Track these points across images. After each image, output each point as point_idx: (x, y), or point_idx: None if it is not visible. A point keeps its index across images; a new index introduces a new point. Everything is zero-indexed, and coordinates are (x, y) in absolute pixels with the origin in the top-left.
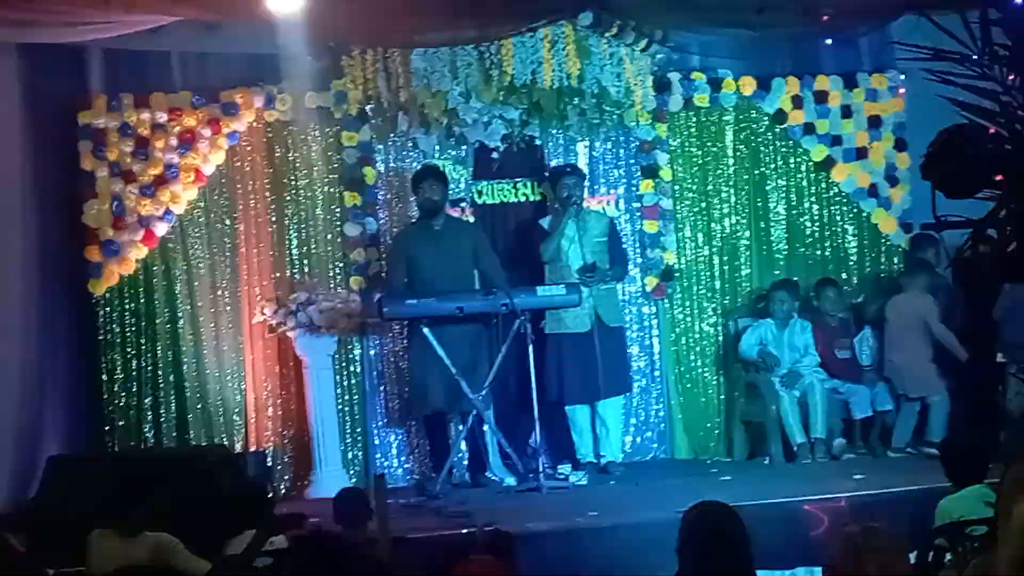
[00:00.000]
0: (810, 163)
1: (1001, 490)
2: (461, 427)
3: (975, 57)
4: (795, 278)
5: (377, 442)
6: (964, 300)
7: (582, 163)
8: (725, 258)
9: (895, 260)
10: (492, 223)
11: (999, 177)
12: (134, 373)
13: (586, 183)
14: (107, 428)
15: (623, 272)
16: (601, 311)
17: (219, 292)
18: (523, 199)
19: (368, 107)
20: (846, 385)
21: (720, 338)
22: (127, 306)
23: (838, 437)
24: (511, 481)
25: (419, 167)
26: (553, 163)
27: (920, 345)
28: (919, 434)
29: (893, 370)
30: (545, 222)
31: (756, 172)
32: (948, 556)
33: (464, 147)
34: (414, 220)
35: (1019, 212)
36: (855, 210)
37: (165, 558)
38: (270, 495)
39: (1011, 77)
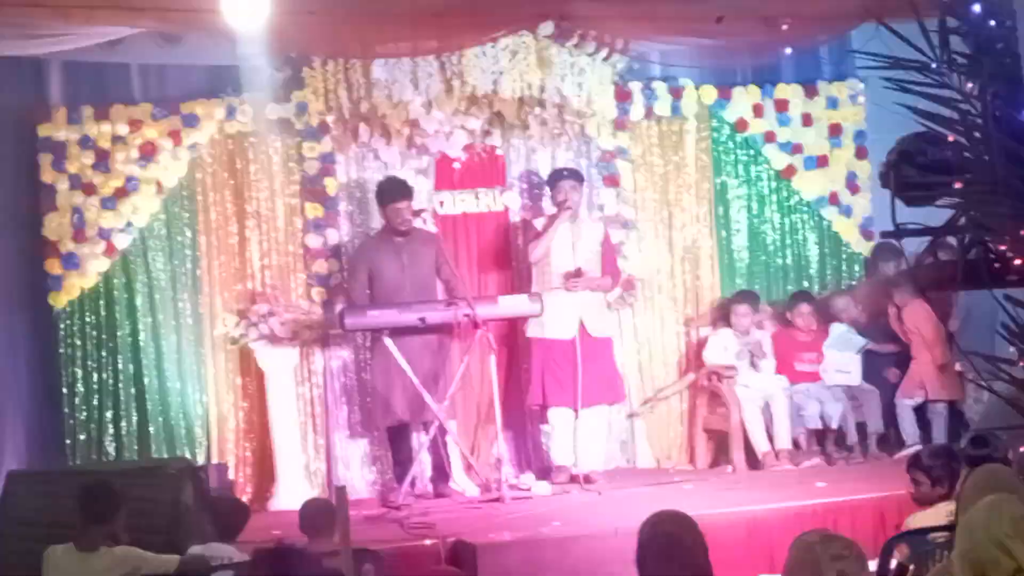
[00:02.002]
0: (771, 171)
1: (961, 495)
2: (424, 438)
3: (934, 65)
4: (755, 288)
5: (339, 453)
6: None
7: (544, 173)
8: (687, 267)
9: (856, 268)
10: (454, 233)
11: (958, 185)
12: (95, 386)
13: (584, 189)
14: (68, 442)
15: (612, 283)
16: (586, 320)
17: (180, 304)
18: (485, 209)
19: (329, 118)
20: (800, 392)
21: (683, 347)
22: (87, 319)
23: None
24: (474, 492)
25: (384, 180)
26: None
27: None
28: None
29: None
30: (539, 222)
31: (717, 181)
32: (912, 564)
33: (425, 157)
34: (376, 231)
35: (978, 220)
36: (816, 218)
37: (129, 569)
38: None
39: (969, 85)
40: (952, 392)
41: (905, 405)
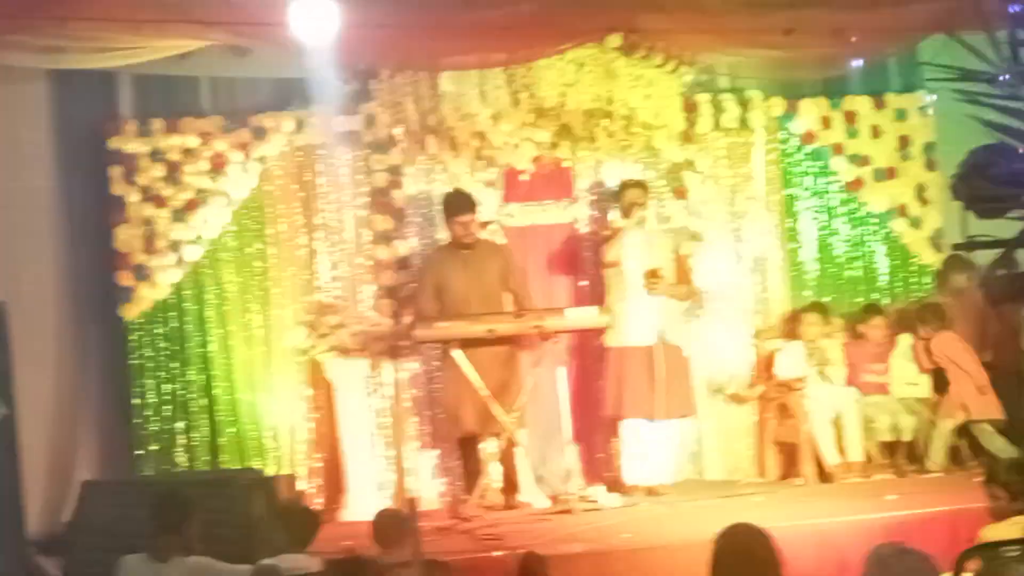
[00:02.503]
0: (839, 183)
1: None
2: (493, 449)
3: (1003, 77)
4: (825, 299)
5: (409, 465)
6: (994, 321)
7: (611, 184)
8: (756, 279)
9: (925, 280)
10: (523, 244)
11: None
12: (166, 397)
13: (649, 198)
14: (139, 453)
15: (689, 293)
16: (666, 327)
17: (250, 315)
18: (553, 221)
19: (397, 130)
20: (871, 405)
21: (752, 359)
22: (158, 330)
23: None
24: (544, 503)
25: (449, 193)
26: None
27: None
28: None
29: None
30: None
31: (785, 193)
32: None
33: (493, 169)
34: (443, 243)
35: None
36: (885, 230)
37: None
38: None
39: None
40: (993, 411)
41: (945, 425)
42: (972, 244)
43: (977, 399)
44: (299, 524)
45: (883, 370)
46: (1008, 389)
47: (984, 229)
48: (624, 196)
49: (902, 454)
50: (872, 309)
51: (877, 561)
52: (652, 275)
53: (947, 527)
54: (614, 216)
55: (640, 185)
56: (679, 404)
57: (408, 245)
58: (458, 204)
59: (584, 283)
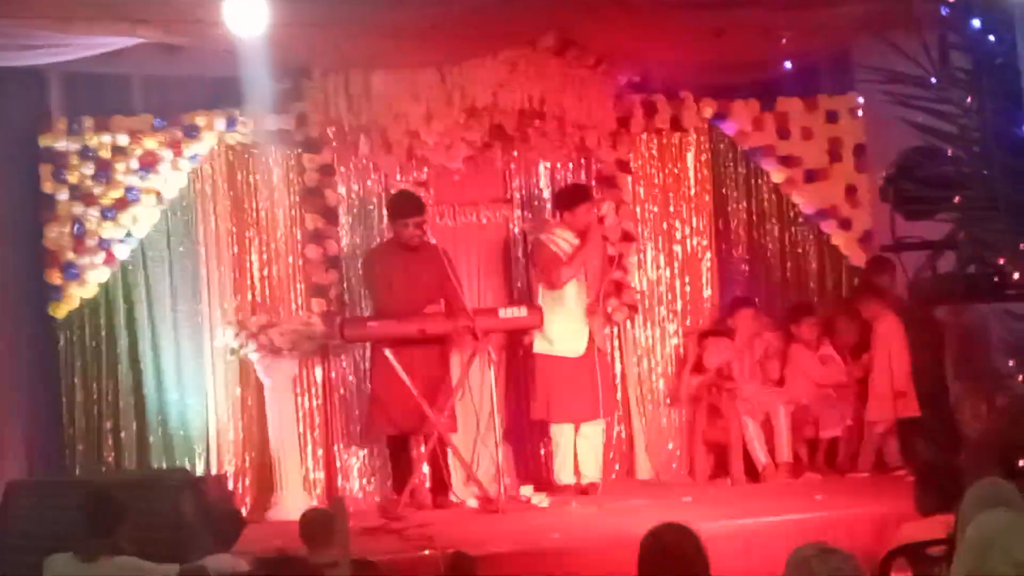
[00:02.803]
0: (771, 184)
1: (960, 510)
2: (423, 449)
3: (933, 80)
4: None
5: (339, 464)
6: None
7: (543, 184)
8: (687, 279)
9: (855, 282)
10: (454, 245)
11: (957, 199)
12: (94, 396)
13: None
14: (67, 452)
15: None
16: (596, 335)
17: (180, 315)
18: (485, 221)
19: (329, 129)
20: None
21: (682, 359)
22: (87, 329)
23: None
24: (473, 503)
25: (398, 194)
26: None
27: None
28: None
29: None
30: (554, 241)
31: (717, 194)
32: None
33: (426, 169)
34: (382, 243)
35: (977, 234)
36: (815, 232)
37: None
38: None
39: (969, 100)
40: (912, 410)
41: (874, 426)
42: (900, 246)
43: (897, 398)
44: (222, 524)
45: (815, 370)
46: (929, 390)
47: (913, 231)
48: (577, 210)
49: (828, 453)
50: (802, 309)
51: (799, 562)
52: (592, 308)
53: (873, 528)
54: (548, 217)
55: (591, 198)
56: (608, 404)
57: (339, 245)
58: (409, 205)
59: (517, 284)
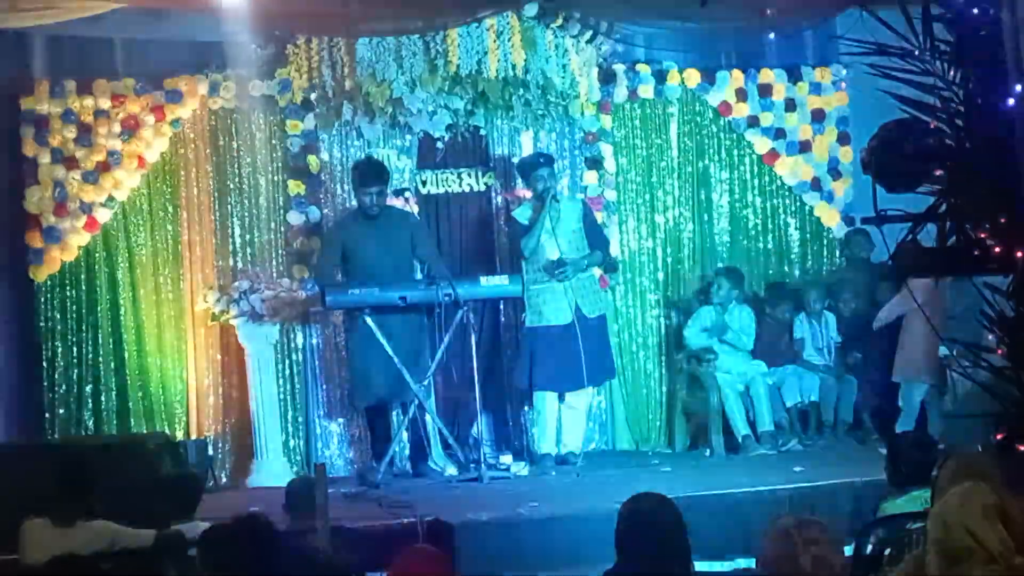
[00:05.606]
0: (754, 156)
1: (936, 484)
2: (403, 417)
3: (917, 52)
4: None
5: (318, 431)
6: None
7: (527, 153)
8: (668, 250)
9: (837, 254)
10: (436, 213)
11: (939, 172)
12: (75, 360)
13: (556, 169)
14: (47, 416)
15: (603, 256)
16: (580, 302)
17: (161, 279)
18: (468, 189)
19: (312, 95)
20: (777, 372)
21: (663, 330)
22: (68, 293)
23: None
24: (452, 471)
25: (361, 162)
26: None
27: None
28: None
29: None
30: (521, 215)
31: (700, 164)
32: (888, 550)
33: (409, 136)
34: (351, 210)
35: (958, 207)
36: (798, 203)
37: (106, 544)
38: (202, 483)
39: (952, 72)
40: (939, 377)
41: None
42: (882, 218)
43: (927, 360)
44: (182, 489)
45: (792, 343)
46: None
47: (895, 203)
48: (532, 177)
49: (811, 427)
50: (775, 288)
51: (778, 532)
52: (556, 266)
53: (852, 498)
54: (522, 191)
55: (548, 161)
56: (598, 371)
57: (321, 211)
58: (367, 174)
59: (499, 251)
